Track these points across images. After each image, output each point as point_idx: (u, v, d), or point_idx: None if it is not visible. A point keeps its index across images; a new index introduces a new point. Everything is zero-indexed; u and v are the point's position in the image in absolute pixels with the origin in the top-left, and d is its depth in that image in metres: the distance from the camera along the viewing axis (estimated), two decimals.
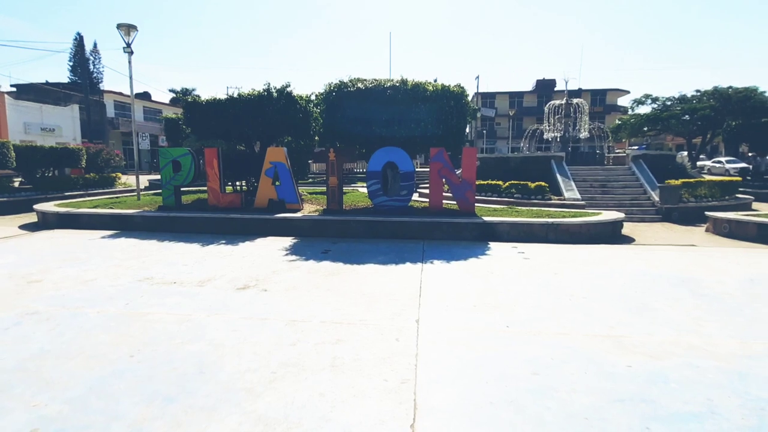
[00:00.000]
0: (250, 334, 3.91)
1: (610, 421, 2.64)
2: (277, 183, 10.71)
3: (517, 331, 4.00)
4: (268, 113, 11.07)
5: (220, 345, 3.68)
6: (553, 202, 12.25)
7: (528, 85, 59.82)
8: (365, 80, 10.51)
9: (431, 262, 6.67)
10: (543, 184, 12.79)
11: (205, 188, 11.31)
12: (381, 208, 10.05)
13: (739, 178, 16.32)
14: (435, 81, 10.90)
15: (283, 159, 10.42)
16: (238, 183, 13.10)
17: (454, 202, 10.01)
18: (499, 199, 12.78)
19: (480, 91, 57.15)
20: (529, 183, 12.83)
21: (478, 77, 58.89)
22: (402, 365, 3.31)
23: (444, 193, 10.30)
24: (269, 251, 7.52)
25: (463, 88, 10.49)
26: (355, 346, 3.65)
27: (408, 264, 6.57)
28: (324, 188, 10.80)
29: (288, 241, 8.51)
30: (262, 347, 3.63)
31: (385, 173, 10.19)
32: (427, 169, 10.04)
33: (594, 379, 3.13)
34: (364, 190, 12.33)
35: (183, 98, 12.75)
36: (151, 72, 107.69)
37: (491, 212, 10.08)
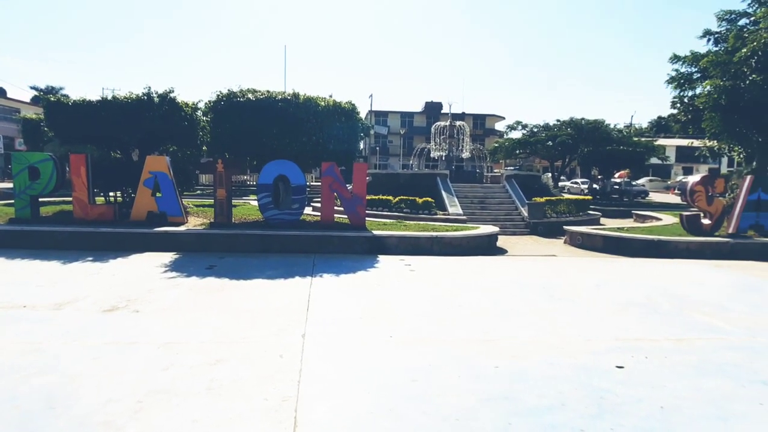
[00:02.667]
0: (116, 360, 3.56)
1: (478, 420, 2.87)
2: (158, 194, 9.92)
3: (400, 341, 4.17)
4: (148, 119, 10.26)
5: (77, 375, 3.29)
6: (438, 216, 13.03)
7: (418, 106, 63.04)
8: (257, 91, 10.29)
9: (321, 276, 6.67)
10: (430, 199, 13.56)
11: (71, 199, 10.05)
12: (272, 221, 9.82)
13: (590, 197, 18.94)
14: (330, 96, 11.04)
15: (165, 169, 9.69)
16: (111, 194, 11.87)
17: (346, 216, 10.15)
18: (389, 213, 13.24)
19: (373, 109, 58.91)
20: (417, 198, 13.51)
21: (371, 96, 60.84)
22: (285, 382, 3.25)
23: (336, 207, 10.40)
24: (145, 268, 6.91)
25: (354, 105, 10.77)
26: (236, 365, 3.51)
27: (297, 278, 6.50)
28: (213, 201, 10.24)
29: (169, 256, 7.90)
30: (129, 375, 3.32)
31: (276, 186, 10.00)
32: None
33: (466, 382, 3.38)
34: (256, 203, 11.97)
35: (45, 97, 11.27)
36: (10, 66, 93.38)
37: (381, 226, 10.39)
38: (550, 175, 33.44)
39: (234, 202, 15.30)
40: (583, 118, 31.10)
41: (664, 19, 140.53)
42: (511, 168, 39.08)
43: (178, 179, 10.65)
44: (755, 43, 10.74)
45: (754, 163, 12.75)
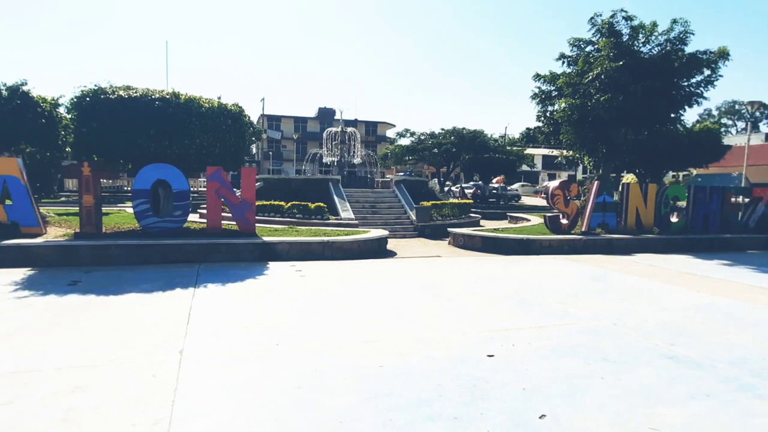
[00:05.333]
0: None
1: (360, 420, 2.94)
2: (7, 202, 8.60)
3: (287, 348, 4.13)
4: None
5: None
6: (330, 221, 13.11)
7: (312, 112, 62.76)
8: (132, 88, 9.45)
9: (205, 287, 6.34)
10: (322, 204, 13.59)
11: None
12: (151, 230, 9.07)
13: (471, 201, 20.55)
14: (219, 98, 10.56)
15: (16, 172, 8.46)
16: None
17: (235, 223, 9.76)
18: (281, 219, 13.01)
19: (266, 113, 57.34)
20: (310, 204, 13.46)
21: (263, 99, 59.09)
22: (157, 404, 3.03)
23: (225, 214, 9.95)
24: None
25: (241, 107, 10.43)
26: (100, 391, 3.19)
27: (178, 290, 6.10)
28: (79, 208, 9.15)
29: (21, 273, 6.91)
30: None
31: (156, 192, 9.27)
32: None
33: (350, 383, 3.46)
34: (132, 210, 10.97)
35: None
36: None
37: (272, 232, 10.18)
38: (436, 180, 35.48)
39: (107, 209, 13.89)
40: (464, 128, 33.59)
41: (531, 38, 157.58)
42: (402, 174, 40.68)
43: (37, 185, 9.40)
44: (598, 69, 12.63)
45: (601, 171, 14.92)
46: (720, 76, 13.18)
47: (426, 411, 3.09)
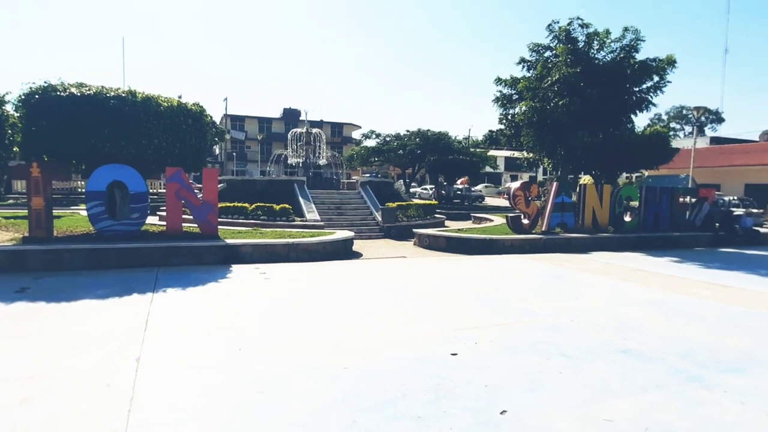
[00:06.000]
0: None
1: (325, 422, 2.93)
2: None
3: (250, 352, 4.06)
4: None
5: None
6: (296, 223, 12.97)
7: (277, 113, 61.89)
8: (85, 85, 9.05)
9: (164, 291, 6.15)
10: (287, 206, 13.43)
11: None
12: (106, 233, 8.70)
13: (436, 202, 20.83)
14: (179, 98, 10.27)
15: None
16: None
17: (196, 225, 9.51)
18: (246, 221, 12.78)
19: (229, 113, 56.12)
20: (275, 205, 13.28)
21: (226, 99, 57.78)
22: (111, 414, 2.91)
23: (186, 216, 9.68)
24: None
25: (202, 107, 10.18)
26: (49, 403, 3.03)
27: (135, 295, 5.89)
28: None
29: None
30: None
31: (111, 194, 8.90)
32: None
33: (314, 386, 3.43)
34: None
35: None
36: None
37: (236, 234, 9.97)
38: (401, 181, 35.73)
39: (60, 212, 13.27)
40: (429, 130, 33.99)
41: (494, 41, 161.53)
42: (368, 175, 40.75)
43: None
44: (557, 75, 13.07)
45: (559, 172, 15.42)
46: (668, 82, 13.88)
47: (391, 411, 3.10)
